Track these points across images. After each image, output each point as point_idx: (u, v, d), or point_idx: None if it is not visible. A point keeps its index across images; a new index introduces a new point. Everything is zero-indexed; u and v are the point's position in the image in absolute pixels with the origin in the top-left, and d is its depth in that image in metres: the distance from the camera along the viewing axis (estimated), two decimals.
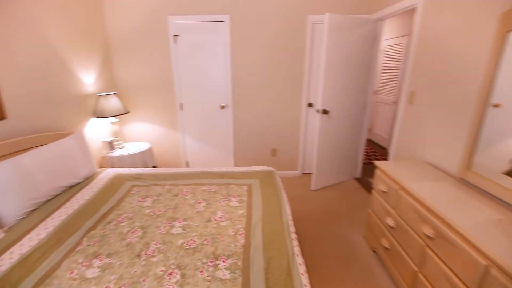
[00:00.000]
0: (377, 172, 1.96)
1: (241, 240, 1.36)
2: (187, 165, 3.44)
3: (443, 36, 1.84)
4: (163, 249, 1.30)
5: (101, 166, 2.64)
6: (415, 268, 1.47)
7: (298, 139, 3.34)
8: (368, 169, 3.65)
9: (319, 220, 2.46)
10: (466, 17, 1.64)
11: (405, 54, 4.04)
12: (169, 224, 1.51)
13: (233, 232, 1.43)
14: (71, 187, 1.92)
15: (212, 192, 1.90)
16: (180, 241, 1.36)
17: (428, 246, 1.37)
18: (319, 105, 2.74)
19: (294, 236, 1.40)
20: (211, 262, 1.21)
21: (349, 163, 3.27)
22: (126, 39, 2.88)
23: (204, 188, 1.96)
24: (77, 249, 1.30)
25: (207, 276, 1.12)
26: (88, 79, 2.57)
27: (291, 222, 1.52)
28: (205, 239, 1.37)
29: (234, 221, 1.53)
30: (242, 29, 2.89)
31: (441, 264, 1.26)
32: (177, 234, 1.42)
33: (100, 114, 2.55)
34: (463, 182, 1.62)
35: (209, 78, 3.07)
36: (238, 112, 3.19)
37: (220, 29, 2.89)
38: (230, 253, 1.26)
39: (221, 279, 1.11)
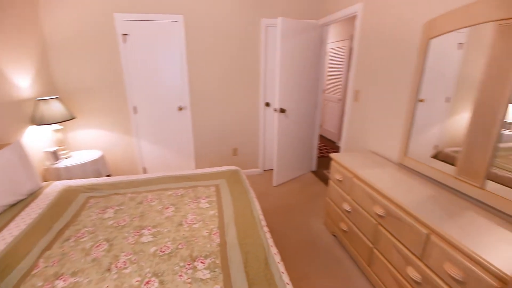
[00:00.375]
0: (333, 163, 2.16)
1: (216, 240, 1.38)
2: (145, 171, 3.27)
3: (380, 40, 2.12)
4: (135, 259, 1.25)
5: (45, 179, 2.35)
6: (370, 245, 1.68)
7: (258, 138, 3.45)
8: (322, 162, 3.95)
9: (283, 213, 2.60)
10: (396, 25, 1.92)
11: (347, 56, 4.48)
12: (138, 233, 1.45)
13: (207, 232, 1.44)
14: (14, 205, 1.68)
15: (179, 196, 1.86)
16: (152, 249, 1.32)
17: (380, 224, 1.58)
18: (276, 105, 2.88)
19: (266, 229, 1.48)
20: (189, 264, 1.21)
21: (305, 157, 3.51)
22: (67, 39, 2.60)
23: (170, 192, 1.91)
24: (33, 272, 1.17)
25: (187, 279, 1.13)
26: (23, 82, 2.26)
27: (262, 217, 1.59)
28: (180, 243, 1.36)
29: (207, 222, 1.54)
30: (198, 30, 2.86)
31: (392, 238, 1.47)
32: (148, 242, 1.38)
33: (40, 121, 2.26)
34: (402, 166, 1.90)
35: (165, 79, 2.97)
36: (197, 114, 3.15)
37: (174, 29, 2.82)
38: (207, 253, 1.28)
39: (201, 279, 1.12)
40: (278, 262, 1.22)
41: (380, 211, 1.55)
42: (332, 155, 2.16)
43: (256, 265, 1.19)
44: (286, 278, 1.12)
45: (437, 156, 1.71)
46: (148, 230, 1.48)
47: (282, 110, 2.91)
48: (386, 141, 2.10)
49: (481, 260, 0.97)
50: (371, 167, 1.89)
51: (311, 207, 2.73)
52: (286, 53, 2.76)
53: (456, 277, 1.05)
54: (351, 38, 4.36)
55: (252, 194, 1.87)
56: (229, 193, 1.87)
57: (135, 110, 2.99)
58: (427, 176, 1.69)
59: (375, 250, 1.64)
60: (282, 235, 2.26)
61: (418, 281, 1.26)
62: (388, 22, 2.01)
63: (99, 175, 2.55)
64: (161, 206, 1.73)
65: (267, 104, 3.33)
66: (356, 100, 2.50)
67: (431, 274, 1.20)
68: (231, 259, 1.23)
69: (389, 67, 2.03)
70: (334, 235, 2.24)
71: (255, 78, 3.19)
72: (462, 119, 1.59)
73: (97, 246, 1.34)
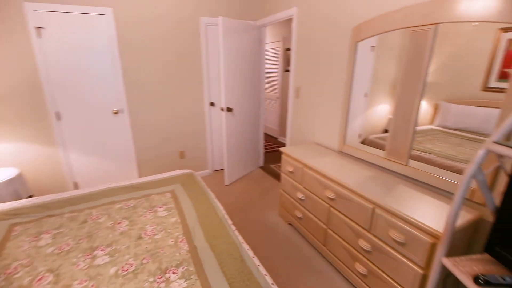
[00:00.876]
0: (283, 156, 2.30)
1: (185, 246, 1.33)
2: (76, 186, 2.84)
3: (315, 42, 2.35)
4: (93, 285, 1.10)
5: None
6: (325, 227, 1.87)
7: (205, 139, 3.38)
8: (268, 157, 4.13)
9: (239, 210, 2.64)
10: (329, 28, 2.16)
11: (281, 56, 4.77)
12: (89, 256, 1.28)
13: (173, 241, 1.37)
14: None
15: (131, 208, 1.70)
16: (112, 270, 1.19)
17: (332, 206, 1.77)
18: (223, 104, 2.88)
19: (233, 227, 1.49)
20: (160, 278, 1.13)
21: (253, 154, 3.61)
22: None
23: (119, 206, 1.73)
24: None
25: None
26: None
27: (227, 216, 1.59)
28: (144, 258, 1.25)
29: (169, 230, 1.46)
30: (131, 25, 2.62)
31: (343, 217, 1.67)
32: (105, 263, 1.23)
33: None
34: (342, 153, 2.16)
35: (95, 80, 2.62)
36: (136, 117, 2.90)
37: (101, 24, 2.51)
38: (178, 262, 1.22)
39: None
40: (253, 257, 1.25)
41: (331, 194, 1.74)
42: (282, 149, 2.29)
43: (232, 264, 1.19)
44: (263, 270, 1.17)
45: (363, 143, 2.02)
46: (102, 250, 1.32)
47: (229, 109, 2.93)
48: (327, 133, 2.34)
49: (416, 222, 1.20)
50: (318, 157, 2.09)
51: (264, 201, 2.84)
52: (228, 52, 2.78)
53: (399, 240, 1.27)
54: (284, 39, 4.66)
55: (212, 195, 1.85)
56: (188, 197, 1.80)
57: (58, 116, 2.56)
58: (363, 160, 1.96)
59: (329, 231, 1.83)
60: (241, 231, 2.29)
61: (369, 250, 1.48)
62: (321, 25, 2.24)
63: (18, 197, 2.11)
64: (112, 222, 1.55)
65: (212, 104, 3.29)
66: (297, 97, 2.70)
67: (379, 242, 1.42)
68: (205, 262, 1.21)
69: (325, 66, 2.27)
70: (290, 224, 2.39)
71: (197, 77, 3.11)
72: (378, 111, 1.95)
73: (38, 280, 1.13)
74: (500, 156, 1.05)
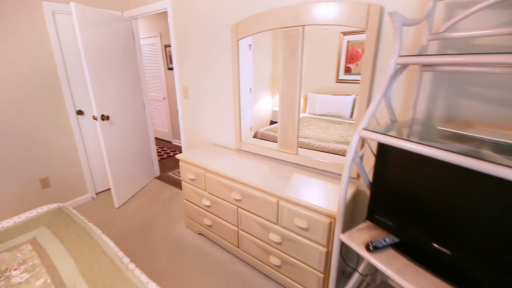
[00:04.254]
0: (181, 164, 2.11)
1: None
2: None
3: (196, 38, 2.22)
4: None
5: None
6: (236, 228, 1.84)
7: (77, 156, 2.70)
8: (163, 165, 3.78)
9: (138, 234, 2.27)
10: (208, 24, 2.08)
11: (162, 53, 4.37)
12: None
13: None
14: None
15: None
16: None
17: (239, 207, 1.75)
18: (94, 111, 2.35)
19: (133, 265, 1.22)
20: None
21: (145, 165, 3.19)
22: None
23: None
24: None
25: None
26: None
27: (121, 253, 1.29)
28: None
29: None
30: None
31: (251, 215, 1.68)
32: None
33: None
34: (240, 151, 2.18)
35: None
36: None
37: None
38: None
39: None
40: None
41: (236, 195, 1.71)
42: (179, 156, 2.09)
43: None
44: None
45: (255, 137, 2.13)
46: None
47: (105, 117, 2.42)
48: (223, 132, 2.31)
49: (315, 207, 1.32)
50: (218, 158, 2.03)
51: (168, 214, 2.56)
52: (91, 48, 2.27)
53: (303, 226, 1.38)
54: (161, 35, 4.28)
55: (96, 231, 1.47)
56: (60, 243, 1.36)
57: None
58: (260, 155, 2.04)
59: (240, 231, 1.82)
60: (147, 256, 1.98)
61: (279, 241, 1.55)
62: (199, 21, 2.13)
63: None
64: None
65: (80, 112, 2.65)
66: (186, 97, 2.53)
67: (287, 232, 1.50)
68: None
69: (211, 64, 2.19)
70: (200, 234, 2.24)
71: (52, 79, 2.40)
72: (262, 105, 2.12)
73: None
74: (367, 139, 1.28)
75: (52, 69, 2.38)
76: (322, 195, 1.43)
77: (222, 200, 1.86)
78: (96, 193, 2.95)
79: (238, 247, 1.88)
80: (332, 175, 1.67)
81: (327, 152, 2.05)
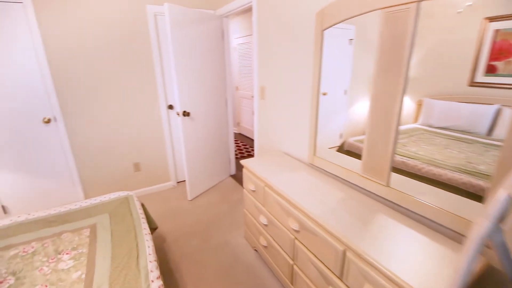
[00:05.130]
0: (244, 171, 1.91)
1: None
2: (5, 210, 2.36)
3: (278, 33, 1.95)
4: None
5: None
6: (291, 262, 1.49)
7: (164, 146, 2.94)
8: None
9: (200, 232, 2.23)
10: (292, 16, 1.77)
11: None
12: None
13: None
14: None
15: (29, 254, 1.27)
16: None
17: (297, 239, 1.39)
18: (177, 107, 2.45)
19: (159, 283, 1.08)
20: None
21: (222, 162, 3.20)
22: None
23: (14, 252, 1.29)
24: None
25: None
26: None
27: (152, 265, 1.18)
28: None
29: None
30: (59, 16, 2.15)
31: (310, 254, 1.30)
32: None
33: None
34: (313, 167, 1.79)
35: (13, 81, 2.14)
36: (74, 125, 2.43)
37: (17, 14, 2.03)
38: None
39: None
40: None
41: (294, 224, 1.36)
42: (243, 162, 1.90)
43: None
44: None
45: (343, 146, 1.66)
46: None
47: (186, 113, 2.50)
48: (296, 140, 1.97)
49: (402, 282, 0.83)
50: (283, 172, 1.71)
51: (231, 218, 2.44)
52: (180, 46, 2.35)
53: None
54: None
55: (145, 230, 1.43)
56: (110, 236, 1.38)
57: None
58: (337, 176, 1.60)
59: (295, 267, 1.46)
60: (198, 262, 1.90)
61: None
62: (283, 13, 1.85)
63: None
64: None
65: (171, 107, 2.86)
66: (262, 97, 2.31)
67: None
68: None
69: (291, 61, 1.88)
70: (255, 250, 2.01)
71: (150, 76, 2.66)
72: (358, 110, 1.59)
73: None
74: None
75: (150, 66, 2.63)
76: (420, 263, 0.91)
77: (279, 224, 1.54)
78: (178, 182, 3.16)
79: (292, 284, 1.52)
80: (443, 229, 1.09)
81: (440, 183, 1.40)
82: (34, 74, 2.19)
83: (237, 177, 3.35)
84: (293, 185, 1.52)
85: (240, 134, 5.42)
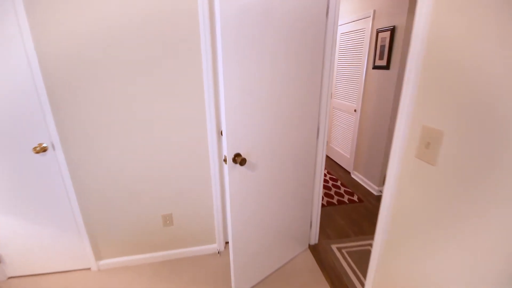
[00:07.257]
0: None
1: None
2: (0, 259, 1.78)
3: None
4: None
5: None
6: None
7: (209, 193, 1.89)
8: (325, 217, 2.37)
9: None
10: None
11: (367, 43, 2.82)
12: None
13: None
14: None
15: None
16: None
17: None
18: (224, 149, 1.30)
19: None
20: None
21: (298, 228, 1.93)
22: None
23: None
24: None
25: None
26: None
27: None
28: None
29: None
30: (60, 16, 1.30)
31: None
32: None
33: None
34: None
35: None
36: (80, 155, 1.61)
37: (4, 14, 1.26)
38: None
39: None
40: None
41: None
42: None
43: None
44: None
45: None
46: None
47: (240, 159, 1.33)
48: None
49: None
50: None
51: None
52: (241, 37, 1.17)
53: None
54: (374, 13, 2.71)
55: None
56: None
57: None
58: None
59: None
60: None
61: None
62: None
63: None
64: None
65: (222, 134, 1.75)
66: (432, 163, 0.90)
67: None
68: None
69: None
70: None
71: (197, 90, 1.61)
72: None
73: None
74: None
75: (198, 82, 1.57)
76: None
77: None
78: (226, 242, 2.08)
79: None
80: None
81: None
82: (23, 93, 1.42)
83: (319, 250, 2.02)
84: None
85: (327, 157, 4.00)
